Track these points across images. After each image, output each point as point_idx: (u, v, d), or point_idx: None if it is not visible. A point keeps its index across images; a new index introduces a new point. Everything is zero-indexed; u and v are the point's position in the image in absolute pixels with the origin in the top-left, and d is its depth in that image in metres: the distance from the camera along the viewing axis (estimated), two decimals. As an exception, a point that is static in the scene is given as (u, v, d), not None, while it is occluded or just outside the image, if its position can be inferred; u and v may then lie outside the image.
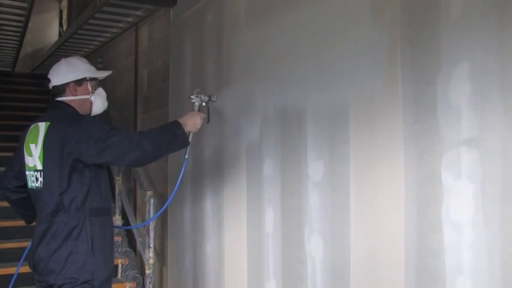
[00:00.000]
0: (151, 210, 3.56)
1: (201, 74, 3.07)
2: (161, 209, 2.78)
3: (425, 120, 1.57)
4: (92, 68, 2.31)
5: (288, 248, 2.23)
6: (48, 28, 9.45)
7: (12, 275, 3.51)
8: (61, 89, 2.22)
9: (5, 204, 4.30)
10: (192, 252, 3.17)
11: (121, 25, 4.39)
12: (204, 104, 2.49)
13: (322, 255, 2.02)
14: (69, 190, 2.07)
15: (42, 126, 2.13)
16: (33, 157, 2.14)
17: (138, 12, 3.98)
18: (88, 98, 2.25)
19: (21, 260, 2.51)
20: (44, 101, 7.48)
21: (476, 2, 1.43)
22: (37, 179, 2.13)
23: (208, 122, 2.44)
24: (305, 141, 2.11)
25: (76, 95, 2.22)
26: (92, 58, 5.51)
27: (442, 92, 1.52)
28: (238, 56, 2.66)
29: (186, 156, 2.47)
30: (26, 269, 2.45)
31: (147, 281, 3.56)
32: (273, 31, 2.35)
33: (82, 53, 5.77)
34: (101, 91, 2.31)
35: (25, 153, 2.19)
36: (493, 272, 1.38)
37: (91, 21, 4.28)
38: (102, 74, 2.36)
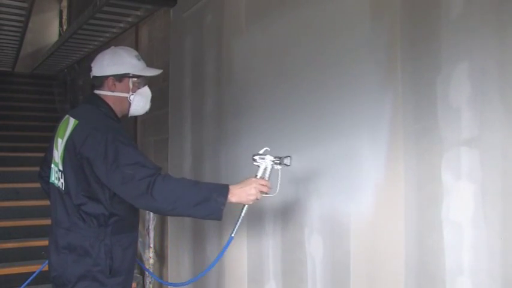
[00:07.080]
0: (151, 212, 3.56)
1: (201, 74, 3.08)
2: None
3: (426, 120, 1.57)
4: (140, 64, 2.05)
5: (288, 248, 2.23)
6: (48, 28, 9.43)
7: (12, 274, 3.54)
8: (100, 81, 2.02)
9: (5, 204, 4.35)
10: (192, 252, 3.17)
11: (121, 25, 4.40)
12: (273, 167, 1.83)
13: (322, 255, 2.02)
14: (90, 202, 1.86)
15: (71, 123, 1.93)
16: (58, 153, 1.96)
17: (138, 12, 3.98)
18: (127, 97, 2.02)
19: None
20: (44, 101, 7.48)
21: (476, 2, 1.43)
22: (59, 179, 1.94)
23: (276, 192, 1.83)
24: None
25: (114, 91, 2.00)
26: (92, 58, 5.50)
27: (442, 92, 1.52)
28: (238, 56, 2.66)
29: (233, 235, 1.90)
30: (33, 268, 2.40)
31: (147, 281, 3.56)
32: (273, 31, 2.35)
33: (82, 53, 5.77)
34: (144, 91, 2.05)
35: (54, 146, 2.01)
36: (493, 272, 1.38)
37: (91, 21, 4.28)
38: (150, 73, 2.08)
